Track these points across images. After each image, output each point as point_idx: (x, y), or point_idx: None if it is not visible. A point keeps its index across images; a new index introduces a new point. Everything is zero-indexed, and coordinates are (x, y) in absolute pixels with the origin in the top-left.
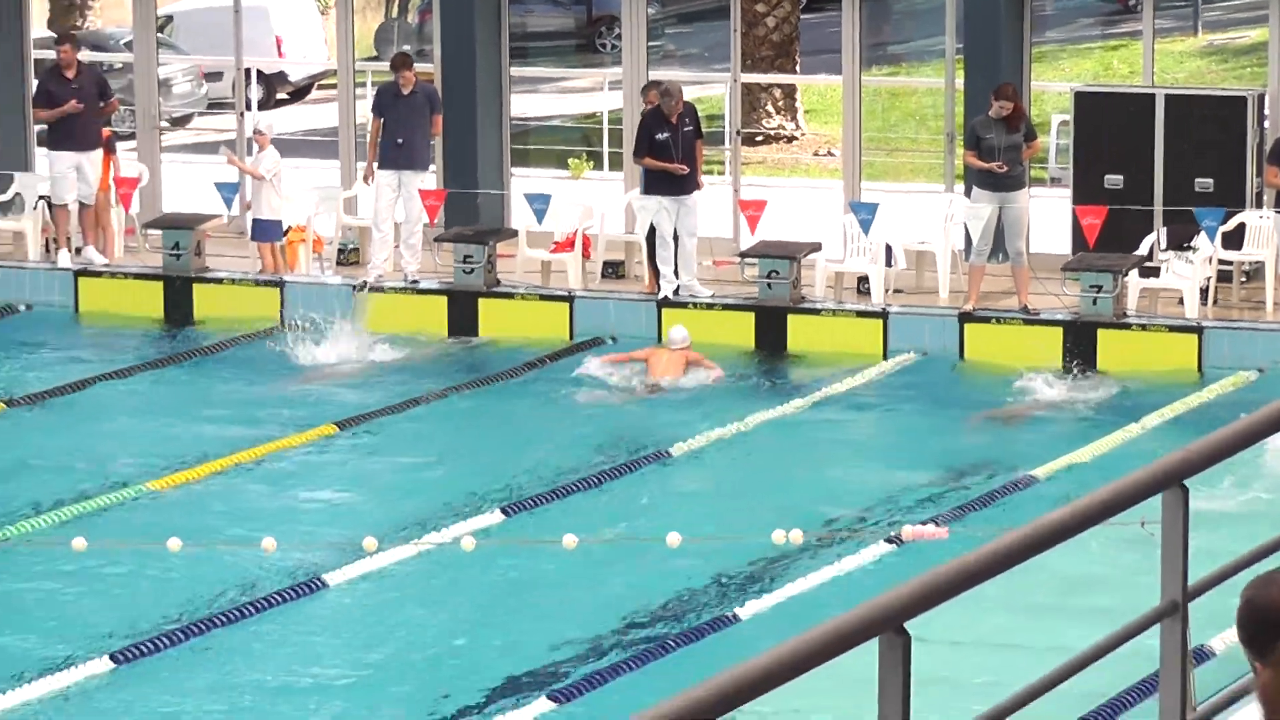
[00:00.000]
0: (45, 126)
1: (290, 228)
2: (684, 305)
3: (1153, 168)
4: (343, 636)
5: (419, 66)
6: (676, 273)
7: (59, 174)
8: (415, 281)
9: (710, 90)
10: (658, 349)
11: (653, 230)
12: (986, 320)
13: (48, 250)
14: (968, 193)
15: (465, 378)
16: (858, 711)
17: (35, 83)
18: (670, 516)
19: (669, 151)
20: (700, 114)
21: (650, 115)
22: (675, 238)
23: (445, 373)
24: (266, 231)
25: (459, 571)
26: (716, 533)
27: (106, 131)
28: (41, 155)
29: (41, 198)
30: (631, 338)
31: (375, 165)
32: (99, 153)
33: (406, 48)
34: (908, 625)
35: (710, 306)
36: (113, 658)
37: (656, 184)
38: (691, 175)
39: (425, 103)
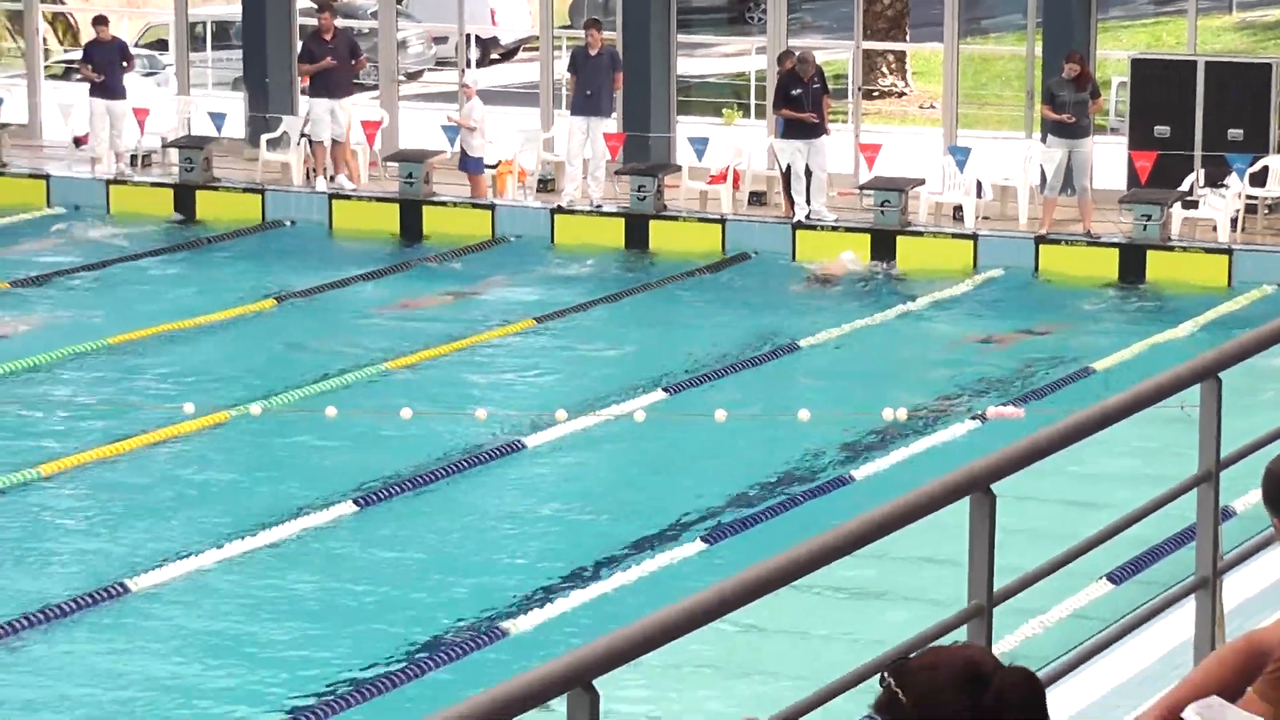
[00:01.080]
0: (307, 79)
1: (499, 162)
2: (813, 227)
3: (1194, 121)
4: (540, 491)
5: (604, 34)
6: (808, 201)
7: (317, 117)
8: (599, 206)
9: (836, 55)
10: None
11: (789, 167)
12: (1057, 242)
13: (308, 178)
14: (1043, 139)
15: (637, 283)
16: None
17: (299, 44)
18: (801, 397)
19: (801, 104)
20: (826, 74)
21: (787, 75)
22: (807, 173)
23: (621, 279)
24: (472, 165)
25: (631, 439)
26: (838, 410)
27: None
28: (304, 101)
29: (303, 135)
30: (770, 253)
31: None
32: (349, 99)
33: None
34: (993, 487)
35: (834, 229)
36: (355, 502)
37: (792, 130)
38: (820, 123)
39: (609, 63)
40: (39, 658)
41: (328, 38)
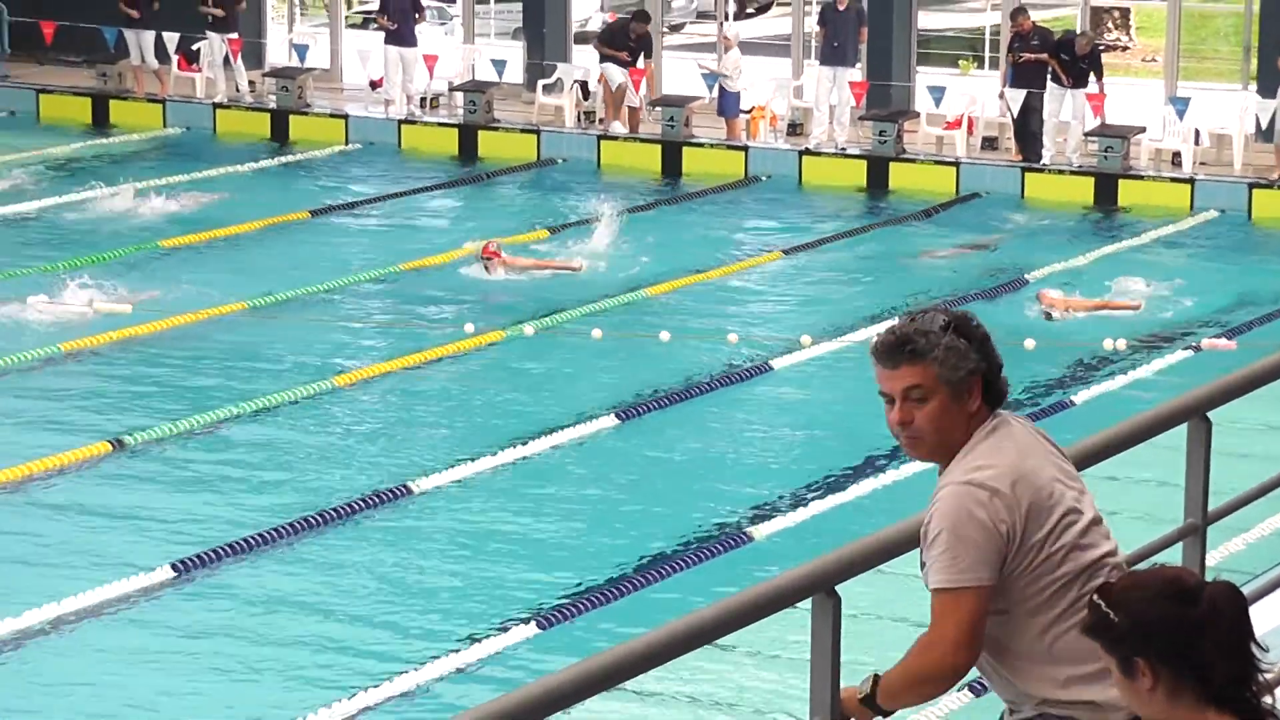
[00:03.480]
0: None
1: (753, 107)
2: (1041, 170)
3: None
4: (785, 410)
5: None
6: (1043, 146)
7: (610, 70)
8: (844, 149)
9: (1065, 11)
10: None
11: (1022, 112)
12: (1269, 187)
13: (579, 121)
14: (1260, 91)
15: (877, 220)
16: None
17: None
18: (1027, 326)
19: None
20: (1053, 31)
21: (1014, 36)
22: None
23: (863, 216)
24: (728, 109)
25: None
26: (1061, 340)
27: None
28: (577, 51)
29: (576, 81)
30: (999, 194)
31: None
32: (623, 54)
33: None
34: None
35: (1060, 172)
36: (616, 415)
37: (1020, 79)
38: (1042, 73)
39: (856, 17)
40: (323, 553)
41: None
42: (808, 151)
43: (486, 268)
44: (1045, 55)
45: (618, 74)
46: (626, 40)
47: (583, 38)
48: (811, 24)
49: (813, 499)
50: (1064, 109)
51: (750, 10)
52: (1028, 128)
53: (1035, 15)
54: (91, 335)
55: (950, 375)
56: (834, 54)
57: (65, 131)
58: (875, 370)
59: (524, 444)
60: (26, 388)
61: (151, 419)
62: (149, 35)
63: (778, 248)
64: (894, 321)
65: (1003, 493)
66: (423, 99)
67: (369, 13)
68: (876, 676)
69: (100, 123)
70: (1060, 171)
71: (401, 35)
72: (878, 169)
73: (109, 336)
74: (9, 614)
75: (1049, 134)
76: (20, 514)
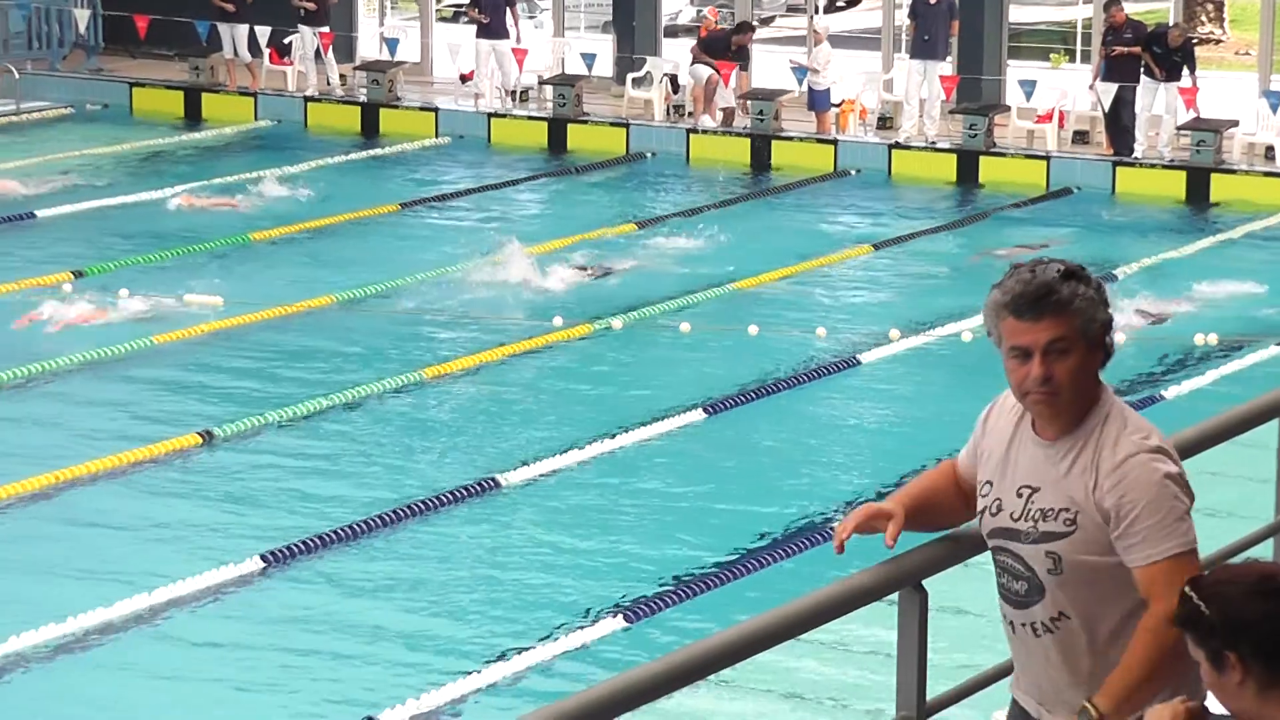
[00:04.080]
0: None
1: (843, 100)
2: (1133, 165)
3: None
4: (872, 403)
5: None
6: (1134, 140)
7: (696, 69)
8: (934, 142)
9: (1158, 4)
10: None
11: (1114, 105)
12: None
13: (668, 115)
14: None
15: (967, 214)
16: None
17: None
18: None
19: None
20: (1148, 24)
21: (1108, 29)
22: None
23: (953, 211)
24: (818, 102)
25: (958, 357)
26: (1155, 333)
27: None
28: (667, 45)
29: (665, 75)
30: (1090, 189)
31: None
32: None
33: None
34: None
35: (1152, 166)
36: (704, 409)
37: (1112, 72)
38: (1135, 66)
39: (947, 10)
40: (410, 545)
41: None
42: (897, 145)
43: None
44: (1138, 48)
45: (704, 70)
46: (726, 50)
47: (672, 31)
48: (902, 17)
49: None
50: (1156, 102)
51: (841, 3)
52: (1119, 121)
53: (1128, 8)
54: (183, 328)
55: (1088, 327)
56: (924, 47)
57: (157, 124)
58: (1004, 324)
59: (611, 437)
60: (119, 378)
61: (241, 411)
62: (242, 29)
63: (867, 241)
64: (1011, 274)
65: (1178, 459)
66: (512, 92)
67: (459, 6)
68: (1092, 703)
69: (192, 116)
70: (1152, 166)
71: (493, 28)
72: (968, 163)
73: (200, 329)
74: (101, 603)
75: (1141, 128)
76: (112, 504)
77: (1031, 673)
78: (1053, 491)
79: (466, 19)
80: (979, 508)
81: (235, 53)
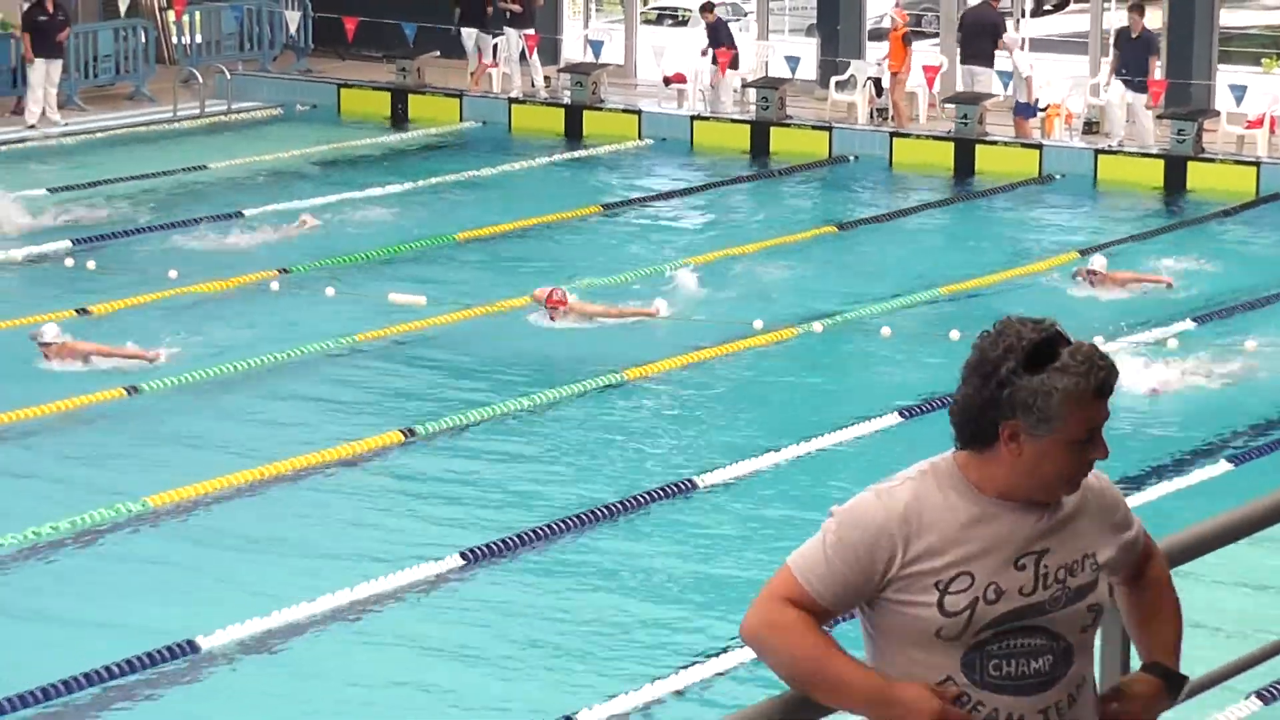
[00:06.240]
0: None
1: (1049, 105)
2: None
3: None
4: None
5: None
6: None
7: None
8: (1142, 148)
9: None
10: None
11: None
12: None
13: (871, 118)
14: None
15: (1171, 222)
16: None
17: None
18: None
19: None
20: None
21: None
22: None
23: (1161, 216)
24: (1021, 110)
25: (1160, 364)
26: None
27: None
28: (871, 48)
29: (869, 78)
30: None
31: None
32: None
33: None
34: None
35: None
36: (900, 414)
37: None
38: None
39: (1145, 46)
40: (606, 546)
41: None
42: (1104, 150)
43: (551, 316)
44: None
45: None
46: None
47: (877, 34)
48: (1110, 20)
49: None
50: None
51: (1048, 7)
52: None
53: None
54: (386, 326)
55: None
56: (1125, 79)
57: (364, 125)
58: (1091, 409)
59: (809, 440)
60: (323, 377)
61: (443, 409)
62: (514, 35)
63: (1073, 247)
64: (1078, 358)
65: None
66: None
67: (663, 8)
68: (1155, 663)
69: (398, 117)
70: None
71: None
72: (1175, 168)
73: (403, 327)
74: (305, 598)
75: None
76: (315, 500)
77: None
78: (1065, 546)
79: (671, 22)
80: (958, 607)
81: (493, 57)
